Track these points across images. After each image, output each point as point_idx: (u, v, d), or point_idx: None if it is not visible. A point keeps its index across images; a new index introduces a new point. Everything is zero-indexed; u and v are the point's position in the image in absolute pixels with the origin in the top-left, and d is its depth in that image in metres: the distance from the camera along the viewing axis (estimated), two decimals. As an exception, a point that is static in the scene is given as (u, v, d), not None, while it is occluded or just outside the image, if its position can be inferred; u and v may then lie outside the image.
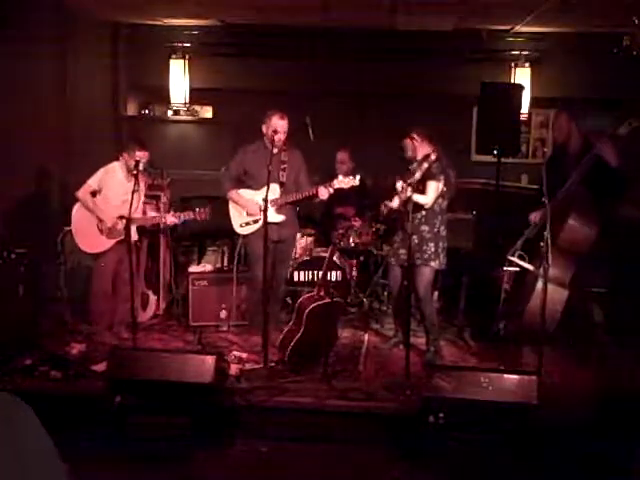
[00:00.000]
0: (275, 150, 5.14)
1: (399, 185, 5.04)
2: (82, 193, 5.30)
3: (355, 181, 5.16)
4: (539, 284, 4.86)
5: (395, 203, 5.15)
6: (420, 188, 4.94)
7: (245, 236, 5.46)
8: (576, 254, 4.89)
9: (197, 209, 5.42)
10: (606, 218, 5.02)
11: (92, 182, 5.30)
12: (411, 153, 5.10)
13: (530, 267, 5.00)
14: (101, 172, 5.31)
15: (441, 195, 5.02)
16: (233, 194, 5.37)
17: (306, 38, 7.41)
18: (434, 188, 4.95)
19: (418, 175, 4.92)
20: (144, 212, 5.57)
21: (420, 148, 5.08)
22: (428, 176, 4.93)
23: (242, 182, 5.42)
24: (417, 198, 4.84)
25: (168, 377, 4.08)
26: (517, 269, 5.16)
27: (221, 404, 4.19)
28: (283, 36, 7.44)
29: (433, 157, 4.92)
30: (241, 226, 5.39)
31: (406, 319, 4.85)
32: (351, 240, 6.29)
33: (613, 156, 4.83)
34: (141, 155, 5.19)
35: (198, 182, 6.95)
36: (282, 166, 5.27)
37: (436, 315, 5.29)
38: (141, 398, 4.10)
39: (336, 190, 5.24)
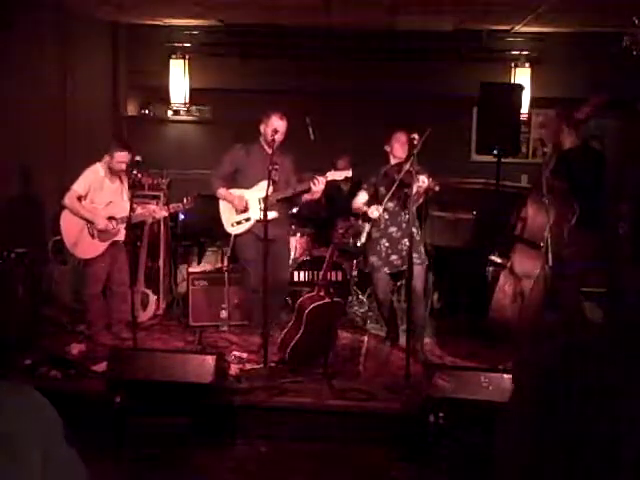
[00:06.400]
0: (270, 150, 5.16)
1: (370, 210, 5.13)
2: (69, 200, 5.16)
3: (348, 173, 5.18)
4: (500, 279, 5.03)
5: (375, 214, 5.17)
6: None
7: (236, 237, 5.43)
8: (534, 244, 4.92)
9: (184, 199, 5.50)
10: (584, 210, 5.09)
11: (77, 187, 5.16)
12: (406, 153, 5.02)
13: (501, 262, 5.09)
14: (84, 176, 5.19)
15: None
16: (223, 191, 5.33)
17: (306, 38, 7.41)
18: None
19: (387, 197, 5.03)
20: (133, 210, 5.54)
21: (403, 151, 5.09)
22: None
23: (232, 182, 5.38)
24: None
25: (168, 377, 4.08)
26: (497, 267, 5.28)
27: (221, 404, 4.19)
28: (283, 36, 7.44)
29: (400, 175, 4.94)
30: (232, 225, 5.35)
31: (407, 319, 4.86)
32: (351, 240, 6.28)
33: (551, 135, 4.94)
34: (122, 156, 5.14)
35: (198, 182, 6.94)
36: (275, 166, 5.26)
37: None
38: (141, 398, 4.10)
39: (336, 191, 5.22)
